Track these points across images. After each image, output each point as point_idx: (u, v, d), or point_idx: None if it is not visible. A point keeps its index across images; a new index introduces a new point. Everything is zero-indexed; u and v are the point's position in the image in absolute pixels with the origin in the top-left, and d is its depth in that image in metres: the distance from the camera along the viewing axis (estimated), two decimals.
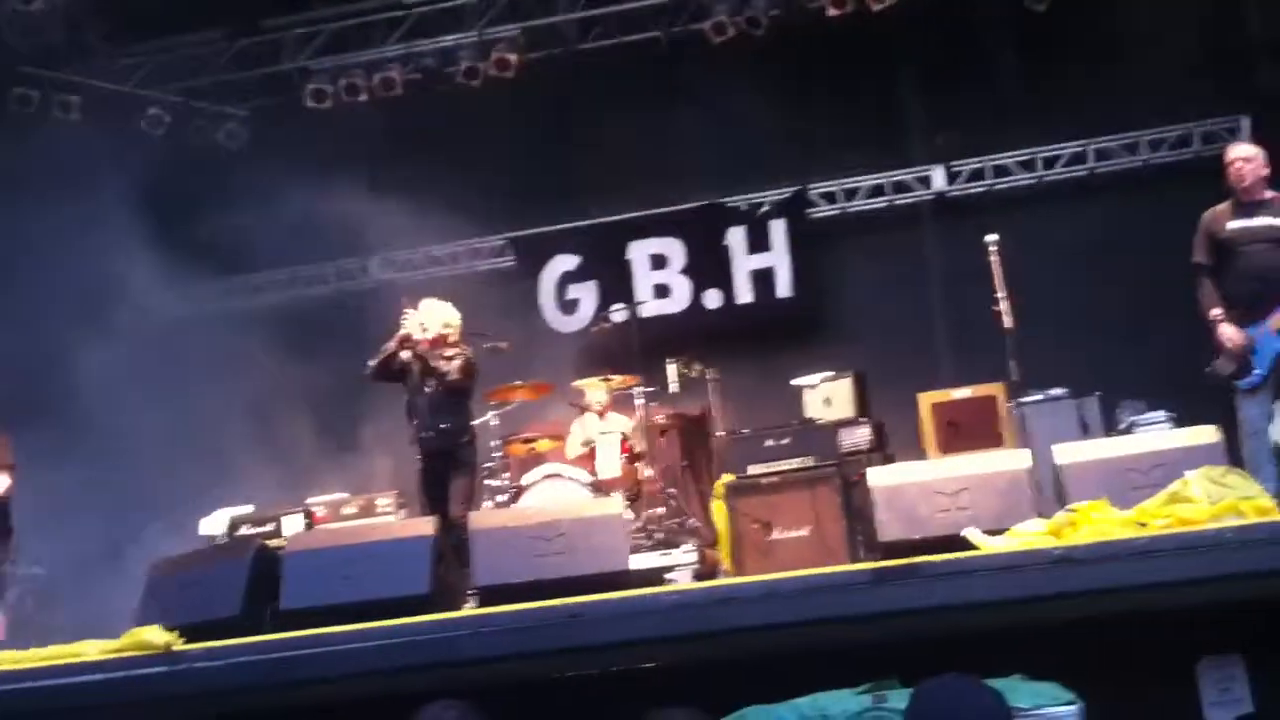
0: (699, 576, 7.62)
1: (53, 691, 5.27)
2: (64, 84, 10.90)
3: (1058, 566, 4.52)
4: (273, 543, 7.21)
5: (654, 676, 5.08)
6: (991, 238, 7.38)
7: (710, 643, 4.95)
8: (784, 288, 11.06)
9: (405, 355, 7.52)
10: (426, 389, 7.48)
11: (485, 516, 6.56)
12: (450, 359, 7.51)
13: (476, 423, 8.05)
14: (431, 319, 7.59)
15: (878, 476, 5.85)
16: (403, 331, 7.52)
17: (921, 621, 4.76)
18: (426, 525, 5.91)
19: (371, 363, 7.64)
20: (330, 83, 11.12)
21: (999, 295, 7.05)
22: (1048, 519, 5.19)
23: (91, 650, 5.38)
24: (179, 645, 5.23)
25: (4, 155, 9.61)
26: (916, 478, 5.75)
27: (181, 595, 5.76)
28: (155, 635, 5.23)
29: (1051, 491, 5.88)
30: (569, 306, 11.44)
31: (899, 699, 4.20)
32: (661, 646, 5.01)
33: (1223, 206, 6.97)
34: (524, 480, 8.17)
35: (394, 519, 8.76)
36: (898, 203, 11.15)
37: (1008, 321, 6.93)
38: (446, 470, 7.38)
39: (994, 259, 7.23)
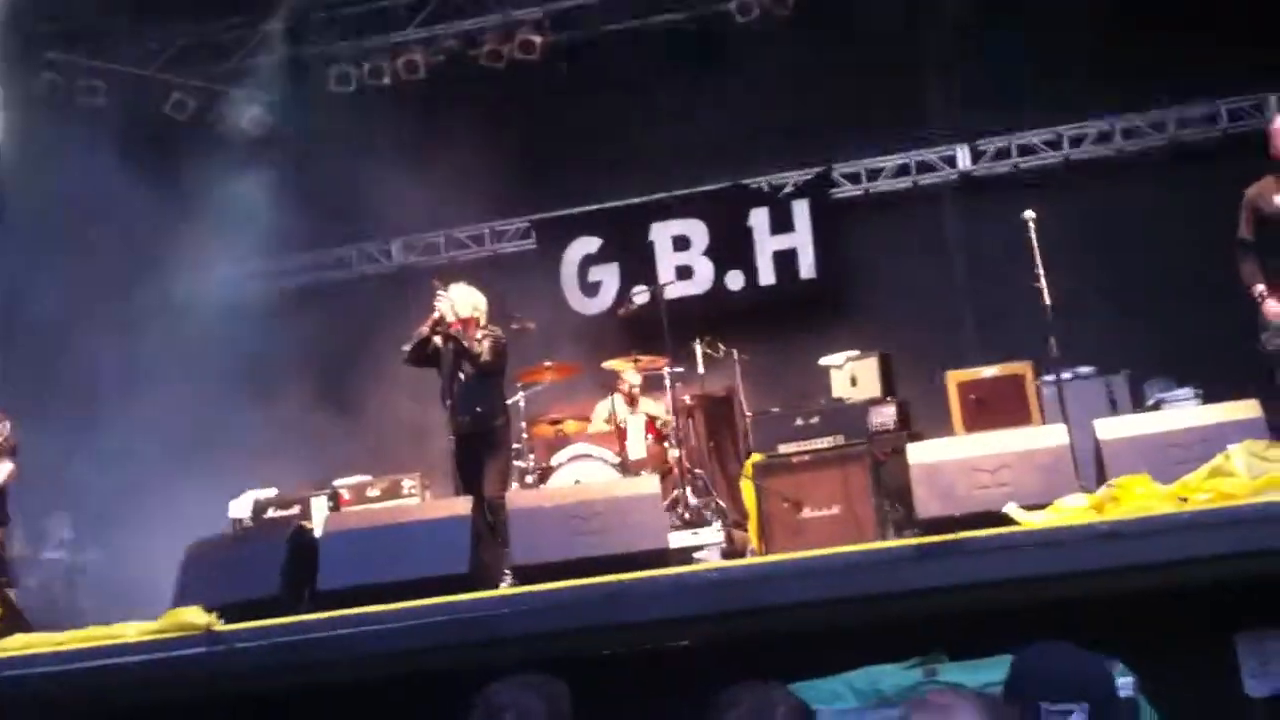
0: (727, 556, 7.63)
1: (93, 673, 5.29)
2: (89, 69, 10.92)
3: (1103, 541, 4.51)
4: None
5: (695, 654, 5.08)
6: (1029, 214, 7.35)
7: (751, 620, 4.95)
8: (807, 269, 11.02)
9: (437, 339, 7.52)
10: (460, 372, 7.49)
11: (523, 496, 6.57)
12: (481, 340, 7.53)
13: (509, 403, 8.06)
14: (461, 302, 7.60)
15: (916, 454, 5.83)
16: (435, 315, 7.53)
17: (964, 596, 4.76)
18: (463, 505, 5.91)
19: (406, 348, 7.64)
20: (354, 66, 11.12)
21: (1039, 272, 7.02)
22: (1088, 494, 5.20)
23: (131, 631, 5.37)
24: (219, 626, 5.24)
25: (34, 135, 9.66)
26: (955, 455, 5.74)
27: (219, 576, 5.77)
28: (195, 616, 5.22)
29: (1089, 467, 5.87)
30: (591, 289, 11.43)
31: (949, 672, 4.21)
32: (703, 624, 5.01)
33: (1267, 180, 6.88)
34: (553, 461, 8.17)
35: (418, 500, 8.77)
36: (922, 182, 11.11)
37: (1047, 298, 6.90)
38: (481, 451, 7.39)
39: (1032, 236, 7.20)
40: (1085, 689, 2.96)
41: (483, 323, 7.68)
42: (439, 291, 7.64)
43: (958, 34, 10.44)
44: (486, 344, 7.51)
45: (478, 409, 7.43)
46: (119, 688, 5.26)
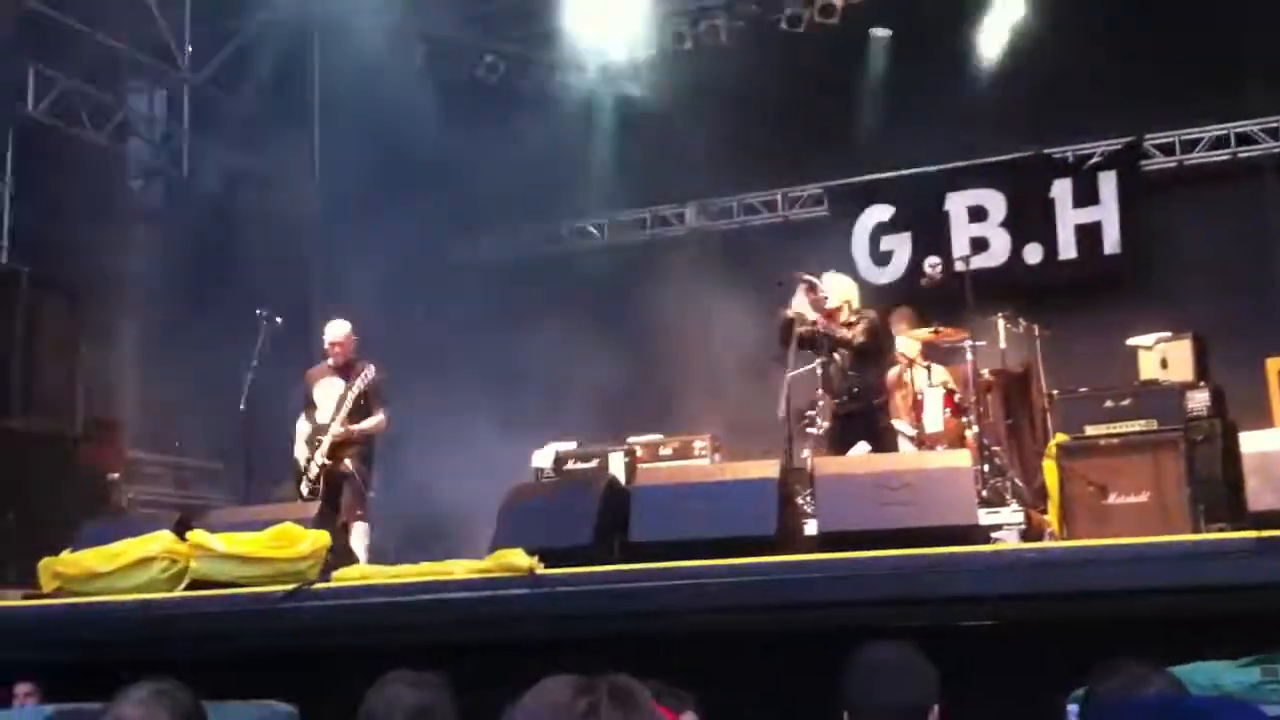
0: (1025, 537, 7.46)
1: (425, 606, 5.62)
2: (408, 31, 11.47)
3: None
4: None
5: (1000, 634, 5.01)
6: None
7: (1071, 604, 4.84)
8: (1111, 244, 10.61)
9: (804, 329, 7.64)
10: (836, 356, 7.63)
11: (831, 462, 6.58)
12: (853, 324, 7.63)
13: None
14: (831, 291, 7.72)
15: (1251, 443, 5.55)
16: (790, 313, 7.65)
17: None
18: (771, 468, 5.97)
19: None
20: (655, 32, 11.33)
21: None
22: None
23: (460, 569, 5.69)
24: (540, 569, 5.47)
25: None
26: None
27: (536, 521, 5.99)
28: (519, 558, 5.47)
29: None
30: (883, 258, 11.32)
31: None
32: (1016, 604, 4.93)
33: None
34: None
35: (709, 461, 8.92)
36: (1241, 155, 10.51)
37: None
38: (858, 431, 7.50)
39: None
40: None
41: (854, 306, 7.76)
42: (799, 284, 7.72)
43: None
44: (859, 328, 7.60)
45: (854, 389, 7.55)
46: (446, 623, 5.58)
